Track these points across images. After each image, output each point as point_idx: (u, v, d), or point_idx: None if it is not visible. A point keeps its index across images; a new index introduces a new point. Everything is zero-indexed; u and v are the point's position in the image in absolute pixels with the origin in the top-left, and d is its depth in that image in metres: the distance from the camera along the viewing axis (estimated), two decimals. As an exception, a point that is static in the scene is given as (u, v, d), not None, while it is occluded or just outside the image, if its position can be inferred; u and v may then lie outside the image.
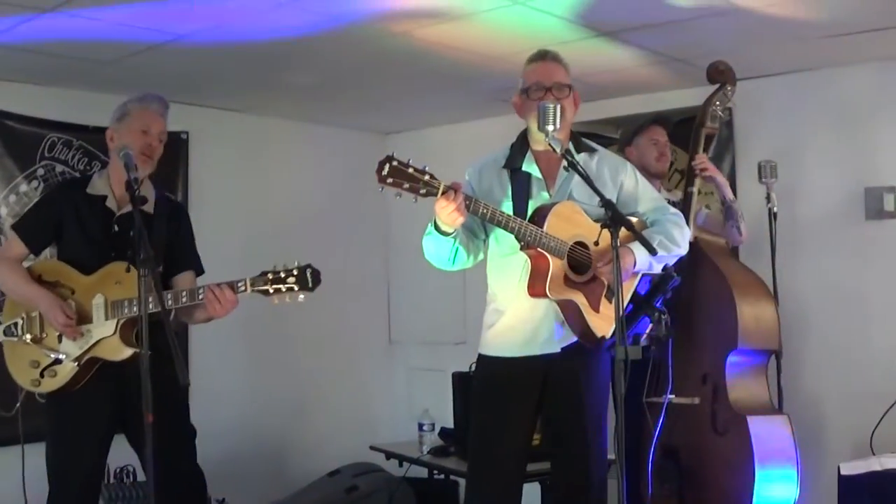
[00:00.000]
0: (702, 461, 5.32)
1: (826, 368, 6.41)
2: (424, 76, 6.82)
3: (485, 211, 4.29)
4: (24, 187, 6.56)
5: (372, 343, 8.89)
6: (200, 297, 4.67)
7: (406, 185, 4.05)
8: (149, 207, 4.88)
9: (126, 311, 4.67)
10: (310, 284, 4.59)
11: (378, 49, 6.08)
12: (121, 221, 4.85)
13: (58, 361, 4.74)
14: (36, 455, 4.99)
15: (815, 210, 6.56)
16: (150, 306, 4.38)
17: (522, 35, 5.67)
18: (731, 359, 5.33)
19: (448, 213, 4.21)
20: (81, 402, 4.77)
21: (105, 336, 4.71)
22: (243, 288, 4.65)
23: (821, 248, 6.52)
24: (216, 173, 7.73)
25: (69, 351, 4.73)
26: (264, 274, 4.62)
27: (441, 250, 4.58)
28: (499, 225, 4.37)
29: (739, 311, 5.32)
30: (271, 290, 4.60)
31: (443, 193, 4.14)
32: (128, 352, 4.70)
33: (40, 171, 6.58)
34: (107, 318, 4.70)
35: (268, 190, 8.09)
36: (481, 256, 4.80)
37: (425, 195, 4.11)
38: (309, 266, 4.61)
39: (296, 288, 4.58)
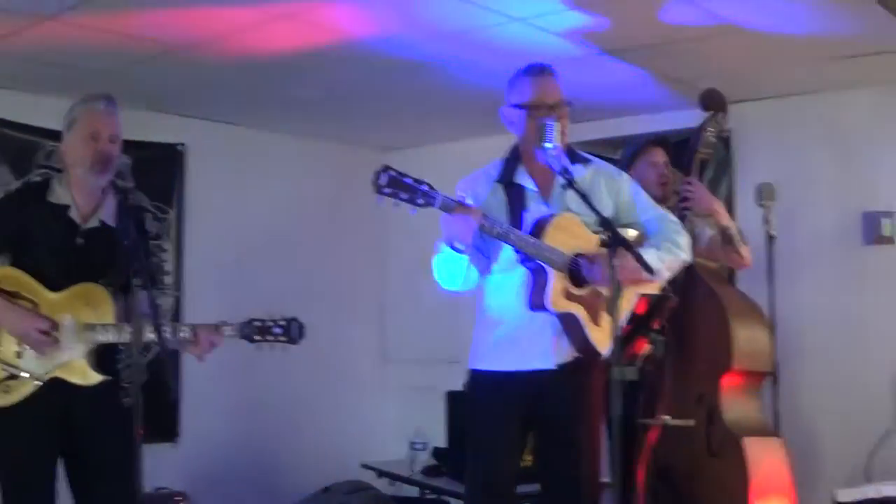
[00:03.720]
0: (696, 483, 5.28)
1: (823, 393, 6.40)
2: (424, 93, 6.82)
3: (484, 223, 4.25)
4: (36, 179, 6.44)
5: (366, 361, 8.85)
6: (183, 335, 4.57)
7: (403, 196, 4.02)
8: (110, 220, 4.65)
9: (100, 336, 4.46)
10: (295, 337, 4.68)
11: (378, 65, 6.07)
12: (86, 235, 4.61)
13: (13, 377, 4.43)
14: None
15: (813, 234, 6.56)
16: (127, 335, 4.38)
17: (522, 52, 5.65)
18: (726, 380, 5.30)
19: (458, 225, 4.18)
20: (29, 421, 4.45)
21: (73, 359, 4.47)
22: (230, 332, 4.62)
23: (818, 272, 6.52)
24: (212, 186, 7.71)
25: (32, 369, 4.43)
26: (252, 321, 4.64)
27: (454, 269, 4.51)
28: (499, 237, 4.31)
29: (733, 333, 5.29)
30: (257, 338, 4.64)
31: (451, 209, 4.13)
32: (96, 378, 4.50)
33: (36, 179, 6.47)
34: (77, 341, 4.45)
35: (264, 204, 8.06)
36: (486, 274, 4.73)
37: (423, 205, 4.07)
38: (295, 319, 4.68)
39: (282, 339, 4.66)
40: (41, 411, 4.46)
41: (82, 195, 4.64)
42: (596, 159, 4.84)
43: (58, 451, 4.58)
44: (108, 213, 4.67)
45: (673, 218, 4.87)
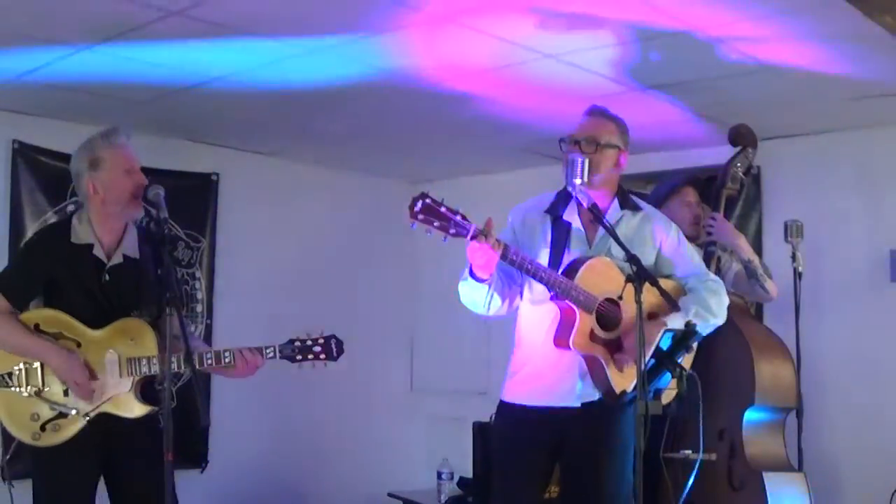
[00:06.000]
0: (718, 518, 5.31)
1: (847, 429, 6.38)
2: (457, 126, 6.86)
3: (514, 258, 4.29)
4: (54, 221, 6.51)
5: (393, 390, 8.88)
6: (227, 360, 4.67)
7: (436, 224, 4.08)
8: (134, 253, 4.76)
9: (145, 369, 4.56)
10: (334, 354, 4.81)
11: (410, 99, 6.13)
12: (112, 272, 4.68)
13: (62, 415, 4.53)
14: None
15: (841, 271, 6.56)
16: (173, 366, 4.45)
17: (553, 88, 5.71)
18: (748, 415, 5.32)
19: (479, 255, 4.23)
20: (73, 452, 4.54)
21: (119, 393, 4.57)
22: (271, 354, 4.73)
23: (845, 309, 6.51)
24: (245, 216, 7.77)
25: (79, 406, 4.54)
26: (292, 342, 4.77)
27: (476, 296, 4.58)
28: (528, 273, 4.37)
29: (757, 368, 5.32)
30: (298, 357, 4.77)
31: (473, 237, 4.16)
32: (142, 409, 4.60)
33: (70, 207, 6.53)
34: (122, 376, 4.56)
35: (296, 234, 8.12)
36: (518, 302, 4.77)
37: (455, 235, 4.13)
38: (334, 336, 4.82)
39: (322, 357, 4.79)
40: (86, 447, 4.56)
41: (105, 232, 4.72)
42: (649, 207, 4.92)
43: (96, 480, 4.67)
44: (130, 247, 4.77)
45: (714, 277, 4.91)
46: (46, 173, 6.62)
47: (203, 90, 5.97)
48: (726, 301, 4.82)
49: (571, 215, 4.72)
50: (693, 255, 4.92)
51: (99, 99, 6.12)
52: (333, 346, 4.81)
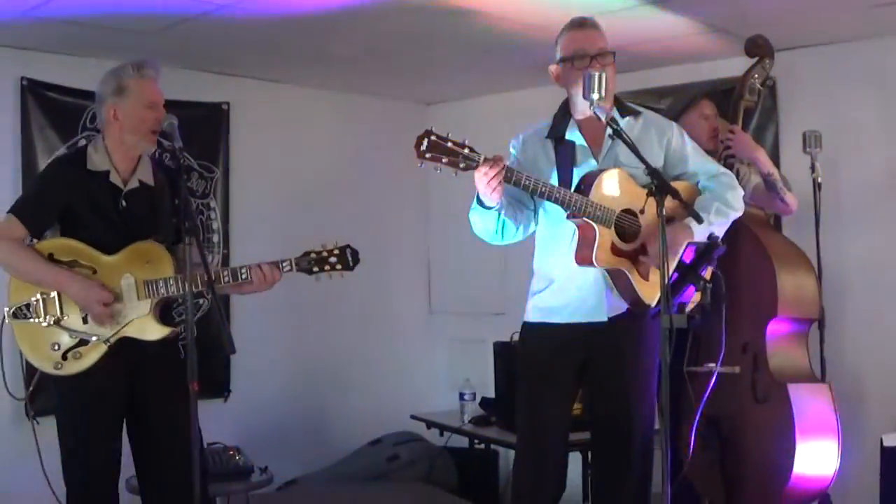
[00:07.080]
0: (742, 430, 5.31)
1: (869, 339, 6.36)
2: (467, 46, 6.80)
3: (527, 182, 4.27)
4: (69, 151, 6.47)
5: (412, 313, 8.90)
6: (244, 276, 4.71)
7: (445, 160, 4.06)
8: (149, 180, 4.80)
9: (163, 291, 4.60)
10: (350, 264, 4.84)
11: (420, 18, 6.06)
12: (128, 197, 4.71)
13: (83, 342, 4.57)
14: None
15: (860, 181, 6.50)
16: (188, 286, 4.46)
17: (567, 4, 5.64)
18: (771, 327, 5.32)
19: (486, 184, 4.20)
20: (99, 381, 4.60)
21: (139, 316, 4.61)
22: (288, 267, 4.78)
23: (865, 219, 6.46)
24: (257, 144, 7.76)
25: (100, 332, 4.57)
26: (307, 254, 4.81)
27: (487, 224, 4.59)
28: (542, 196, 4.36)
29: (779, 279, 5.31)
30: (315, 269, 4.80)
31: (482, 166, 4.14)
32: (163, 331, 4.66)
33: (82, 142, 6.49)
34: (139, 299, 4.60)
35: (309, 160, 8.10)
36: (533, 227, 4.78)
37: (465, 169, 4.11)
38: (348, 246, 4.85)
39: (338, 267, 4.81)
40: (110, 373, 4.60)
41: (121, 159, 4.75)
42: (646, 111, 4.87)
43: (123, 411, 4.73)
44: (145, 173, 4.81)
45: (724, 170, 4.89)
46: (56, 109, 6.60)
47: (210, 18, 5.91)
48: (741, 192, 4.83)
49: (573, 133, 4.71)
50: (699, 150, 4.90)
51: (106, 32, 6.07)
52: (349, 255, 4.84)
